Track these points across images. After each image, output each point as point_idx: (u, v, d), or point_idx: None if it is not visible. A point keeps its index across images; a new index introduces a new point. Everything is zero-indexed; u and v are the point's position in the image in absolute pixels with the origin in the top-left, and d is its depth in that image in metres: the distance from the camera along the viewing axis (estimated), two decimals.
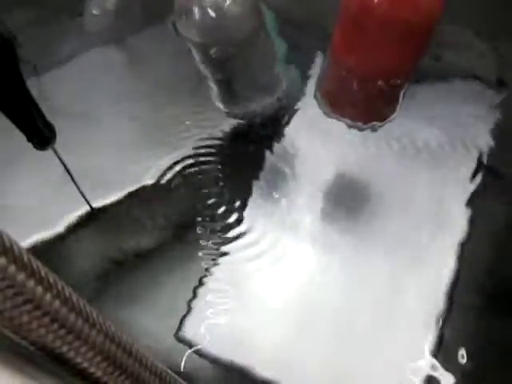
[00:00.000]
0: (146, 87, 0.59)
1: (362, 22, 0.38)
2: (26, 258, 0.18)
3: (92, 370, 0.21)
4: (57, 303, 0.19)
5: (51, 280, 0.19)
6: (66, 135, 0.53)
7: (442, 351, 0.40)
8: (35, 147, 0.39)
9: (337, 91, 0.48)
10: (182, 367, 0.40)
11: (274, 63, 0.55)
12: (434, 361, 0.40)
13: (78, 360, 0.20)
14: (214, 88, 0.54)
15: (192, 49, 0.50)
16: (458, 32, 0.54)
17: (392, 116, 0.49)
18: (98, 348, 0.21)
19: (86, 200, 0.49)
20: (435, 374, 0.39)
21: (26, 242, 0.47)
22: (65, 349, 0.19)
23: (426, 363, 0.40)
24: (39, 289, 0.18)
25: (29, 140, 0.38)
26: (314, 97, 0.51)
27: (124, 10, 0.65)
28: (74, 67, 0.61)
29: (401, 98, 0.47)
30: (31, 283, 0.18)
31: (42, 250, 0.48)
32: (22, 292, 0.17)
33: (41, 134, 0.38)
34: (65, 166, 0.45)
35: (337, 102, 0.48)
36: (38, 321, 0.18)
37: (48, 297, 0.18)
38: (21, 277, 0.17)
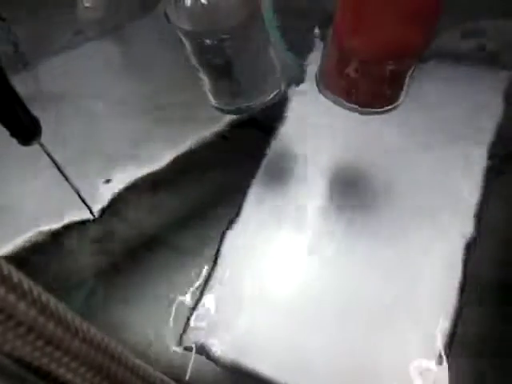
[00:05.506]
0: (141, 80, 0.57)
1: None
2: None
3: (77, 381, 0.19)
4: (33, 312, 0.17)
5: (26, 287, 0.17)
6: (58, 129, 0.53)
7: (453, 348, 0.38)
8: (19, 142, 0.37)
9: (339, 76, 0.45)
10: (188, 374, 0.39)
11: (270, 51, 0.53)
12: (444, 357, 0.38)
13: (61, 371, 0.19)
14: (205, 81, 0.52)
15: (183, 39, 0.48)
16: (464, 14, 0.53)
17: (397, 101, 0.46)
18: (82, 358, 0.19)
19: (80, 197, 0.47)
20: (444, 371, 0.38)
21: (15, 243, 0.46)
22: (45, 360, 0.18)
23: (436, 359, 0.38)
24: (12, 297, 0.16)
25: (12, 135, 0.36)
26: (315, 83, 0.50)
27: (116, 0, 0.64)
28: (67, 59, 0.60)
29: (406, 83, 0.44)
30: (2, 291, 0.16)
31: (32, 251, 0.46)
32: None
33: (25, 129, 0.36)
34: (54, 162, 0.43)
35: (339, 88, 0.46)
36: (12, 332, 0.17)
37: (22, 305, 0.17)
38: None
